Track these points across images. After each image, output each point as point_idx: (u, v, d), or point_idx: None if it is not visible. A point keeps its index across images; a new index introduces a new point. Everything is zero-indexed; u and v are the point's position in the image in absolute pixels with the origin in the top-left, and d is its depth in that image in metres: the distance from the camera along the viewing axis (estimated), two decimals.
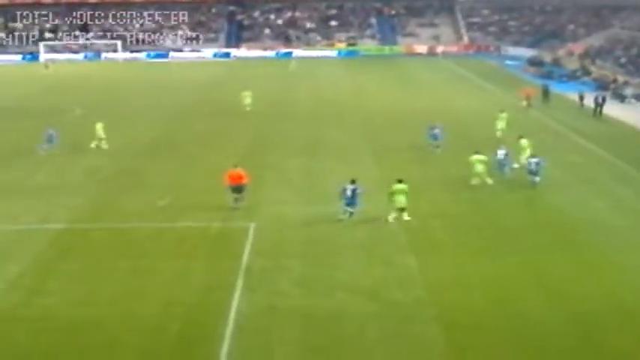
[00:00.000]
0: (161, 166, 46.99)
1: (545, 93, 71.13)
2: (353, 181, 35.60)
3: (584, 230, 34.20)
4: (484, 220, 35.66)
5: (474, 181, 40.93)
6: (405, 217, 35.27)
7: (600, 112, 63.42)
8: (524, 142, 44.52)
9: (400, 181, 35.57)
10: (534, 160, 41.07)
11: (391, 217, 35.25)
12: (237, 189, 37.06)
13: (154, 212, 37.19)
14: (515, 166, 43.46)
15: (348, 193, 35.20)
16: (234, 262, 30.08)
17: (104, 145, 51.27)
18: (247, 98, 67.88)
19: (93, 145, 51.32)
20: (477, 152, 41.59)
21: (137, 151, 51.23)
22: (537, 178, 40.50)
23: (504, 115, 54.01)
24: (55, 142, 50.48)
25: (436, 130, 48.46)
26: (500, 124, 53.10)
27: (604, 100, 64.66)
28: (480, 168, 40.94)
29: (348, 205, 35.34)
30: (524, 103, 65.46)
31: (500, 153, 42.79)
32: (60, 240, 33.64)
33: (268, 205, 37.91)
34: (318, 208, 37.29)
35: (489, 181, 40.83)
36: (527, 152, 43.18)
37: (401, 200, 35.14)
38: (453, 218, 35.92)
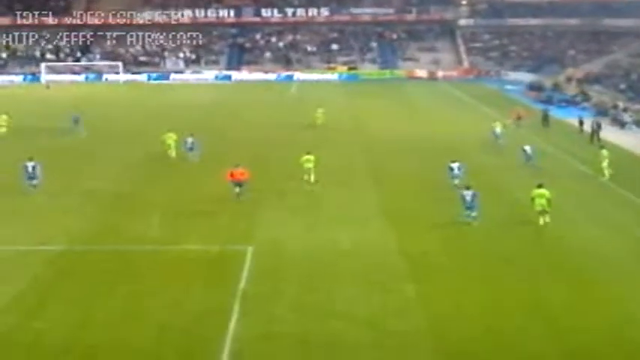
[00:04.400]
0: (161, 189, 46.98)
1: (545, 118, 71.28)
2: (468, 187, 38.42)
3: (584, 259, 33.98)
4: (484, 247, 35.52)
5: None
6: (547, 219, 37.70)
7: (598, 138, 63.24)
8: (604, 152, 49.58)
9: (540, 186, 38.01)
10: (456, 164, 45.27)
11: (541, 220, 37.77)
12: (240, 184, 42.78)
13: (154, 234, 37.23)
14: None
15: (468, 198, 37.85)
16: (232, 286, 29.97)
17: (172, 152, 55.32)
18: (319, 114, 72.30)
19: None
20: (308, 152, 48.03)
21: (136, 173, 51.23)
22: (457, 181, 44.21)
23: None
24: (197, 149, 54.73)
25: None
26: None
27: (599, 125, 64.41)
28: (308, 166, 47.16)
29: (468, 209, 37.95)
30: (510, 121, 68.27)
31: (527, 148, 51.48)
32: (58, 262, 33.58)
33: (267, 229, 37.90)
34: (316, 233, 37.31)
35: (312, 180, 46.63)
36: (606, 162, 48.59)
37: (542, 203, 37.54)
38: (454, 245, 35.84)
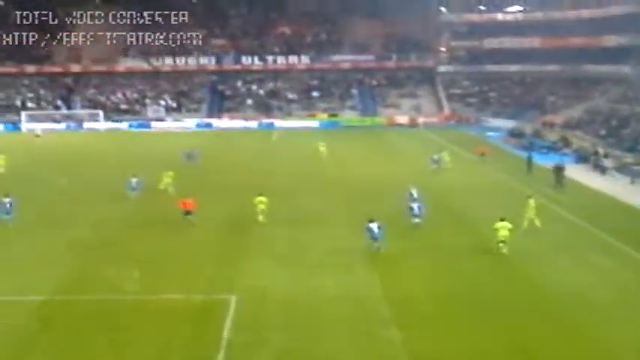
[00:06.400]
0: (143, 238, 46.62)
1: (529, 164, 71.67)
2: (372, 220, 41.47)
3: (567, 303, 34.03)
4: (467, 291, 35.48)
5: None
6: (504, 249, 41.04)
7: (559, 181, 63.47)
8: (531, 201, 48.32)
9: (502, 220, 41.53)
10: (416, 204, 47.67)
11: (503, 249, 41.05)
12: (188, 212, 48.54)
13: (136, 284, 36.80)
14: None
15: (375, 230, 41.11)
16: (216, 335, 29.75)
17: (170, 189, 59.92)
18: (322, 147, 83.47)
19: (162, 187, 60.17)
20: (260, 194, 50.10)
21: (119, 222, 50.93)
22: (419, 220, 46.88)
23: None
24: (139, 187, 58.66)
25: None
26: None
27: (560, 169, 64.96)
28: (261, 207, 49.33)
29: (373, 239, 41.13)
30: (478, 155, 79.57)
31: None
32: (39, 312, 33.20)
33: (250, 277, 37.64)
34: (300, 281, 37.10)
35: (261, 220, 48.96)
36: (533, 212, 47.78)
37: (504, 234, 41.09)
38: (437, 289, 35.82)
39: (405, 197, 52.01)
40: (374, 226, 41.23)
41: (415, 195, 51.55)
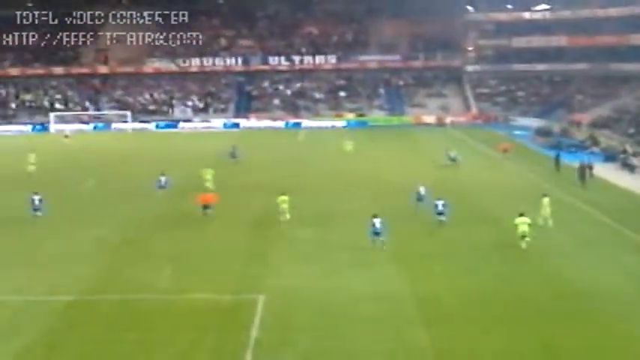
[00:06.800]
0: (172, 237, 46.81)
1: (557, 162, 71.50)
2: (375, 216, 42.40)
3: (594, 300, 33.93)
4: (494, 289, 35.45)
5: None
6: (524, 244, 41.64)
7: (582, 178, 63.32)
8: (546, 200, 48.28)
9: (521, 215, 42.23)
10: (440, 202, 47.94)
11: (522, 244, 41.52)
12: (207, 206, 50.76)
13: (163, 283, 36.98)
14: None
15: (377, 225, 41.90)
16: (244, 335, 29.80)
17: (210, 185, 60.96)
18: (349, 146, 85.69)
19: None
20: (283, 193, 50.49)
21: (148, 221, 51.21)
22: (444, 218, 47.56)
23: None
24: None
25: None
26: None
27: (587, 167, 65.10)
28: (283, 207, 49.66)
29: (376, 234, 42.00)
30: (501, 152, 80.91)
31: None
32: (67, 312, 33.38)
33: (278, 277, 37.74)
34: (327, 279, 37.15)
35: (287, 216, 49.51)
36: (547, 210, 47.76)
37: (524, 230, 41.68)
38: (465, 287, 35.76)
39: (412, 196, 52.46)
40: (377, 221, 42.12)
41: (423, 192, 51.62)
